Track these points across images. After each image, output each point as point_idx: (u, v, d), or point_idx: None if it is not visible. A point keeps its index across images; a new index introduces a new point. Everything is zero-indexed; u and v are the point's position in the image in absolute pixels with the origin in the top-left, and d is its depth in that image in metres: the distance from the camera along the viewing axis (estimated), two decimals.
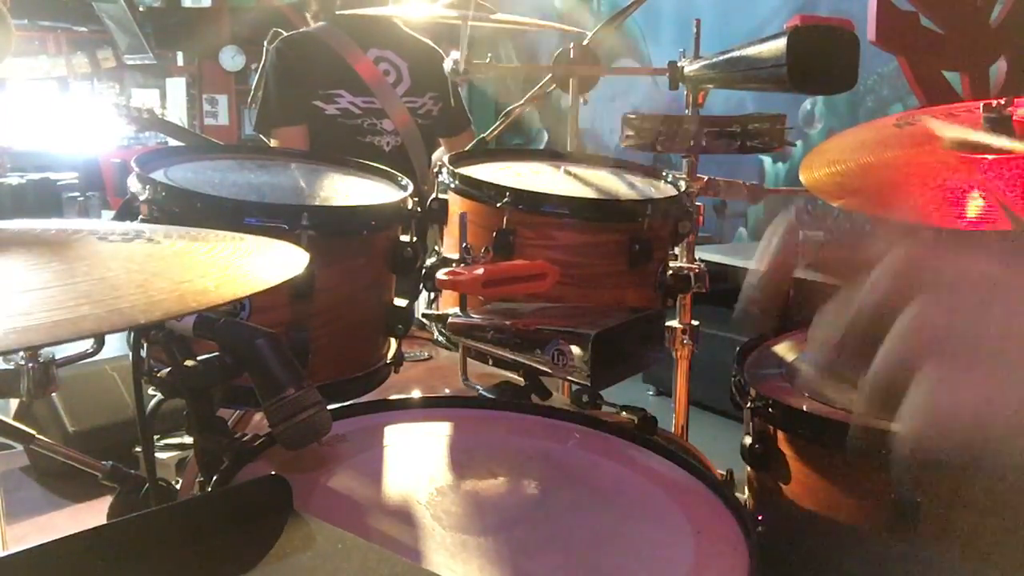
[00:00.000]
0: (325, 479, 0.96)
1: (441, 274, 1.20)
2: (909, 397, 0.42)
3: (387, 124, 2.48)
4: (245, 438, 1.02)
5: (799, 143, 4.16)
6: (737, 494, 1.14)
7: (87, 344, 1.04)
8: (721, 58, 1.57)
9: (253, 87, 2.55)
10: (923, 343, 0.42)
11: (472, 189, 1.34)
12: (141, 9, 7.60)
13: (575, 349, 1.09)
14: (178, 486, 1.27)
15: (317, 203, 1.24)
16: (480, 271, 1.18)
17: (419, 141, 2.52)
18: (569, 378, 1.13)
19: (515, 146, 5.32)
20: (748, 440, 1.20)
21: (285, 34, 2.50)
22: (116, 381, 2.98)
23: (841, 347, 0.46)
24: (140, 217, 1.13)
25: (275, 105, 2.45)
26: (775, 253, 0.49)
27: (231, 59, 7.79)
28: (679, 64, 1.66)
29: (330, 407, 0.92)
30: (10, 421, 1.28)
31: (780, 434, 1.17)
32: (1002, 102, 1.23)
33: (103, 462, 1.25)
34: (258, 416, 1.27)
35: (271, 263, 0.81)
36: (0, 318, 0.59)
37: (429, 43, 2.60)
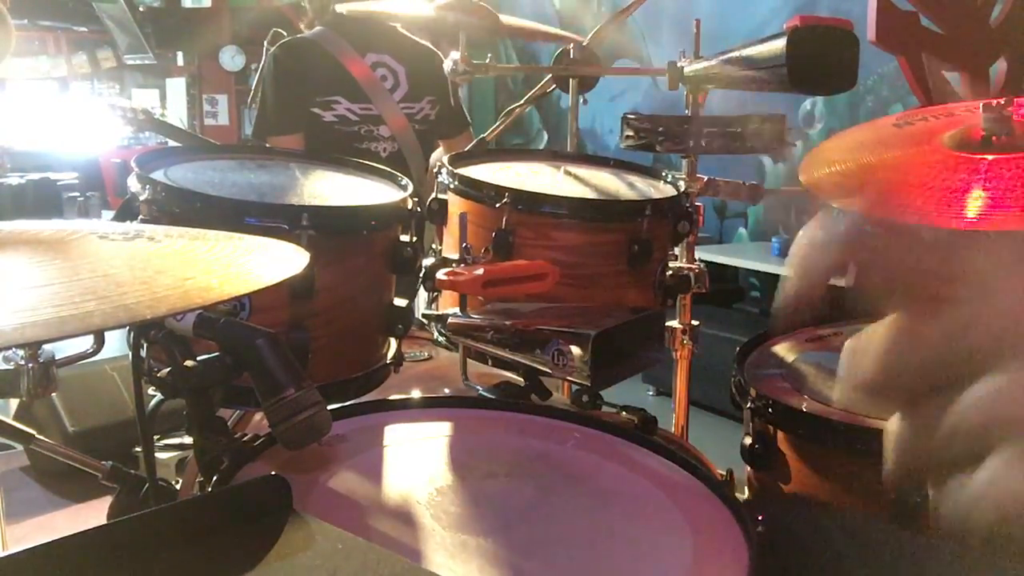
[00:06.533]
0: (325, 479, 0.96)
1: (441, 274, 1.20)
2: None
3: (384, 130, 2.47)
4: (245, 438, 1.02)
5: (799, 143, 4.17)
6: (737, 494, 1.14)
7: (87, 344, 1.04)
8: (721, 58, 1.57)
9: (253, 87, 2.55)
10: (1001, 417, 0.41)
11: (471, 189, 1.34)
12: (141, 9, 7.61)
13: (575, 349, 1.09)
14: (178, 486, 1.27)
15: (317, 203, 1.24)
16: (480, 271, 1.18)
17: (416, 146, 2.51)
18: (569, 378, 1.13)
19: (515, 146, 5.33)
20: (748, 440, 1.20)
21: (283, 39, 2.49)
22: (116, 381, 2.98)
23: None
24: (140, 217, 1.13)
25: (272, 113, 2.45)
26: (804, 259, 0.46)
27: (231, 59, 7.80)
28: (679, 64, 1.66)
29: (330, 407, 0.92)
30: (10, 421, 1.28)
31: (780, 434, 1.17)
32: (1002, 102, 1.23)
33: (103, 462, 1.24)
34: (258, 416, 1.27)
35: (271, 262, 0.81)
36: (6, 315, 0.59)
37: (428, 45, 2.59)
